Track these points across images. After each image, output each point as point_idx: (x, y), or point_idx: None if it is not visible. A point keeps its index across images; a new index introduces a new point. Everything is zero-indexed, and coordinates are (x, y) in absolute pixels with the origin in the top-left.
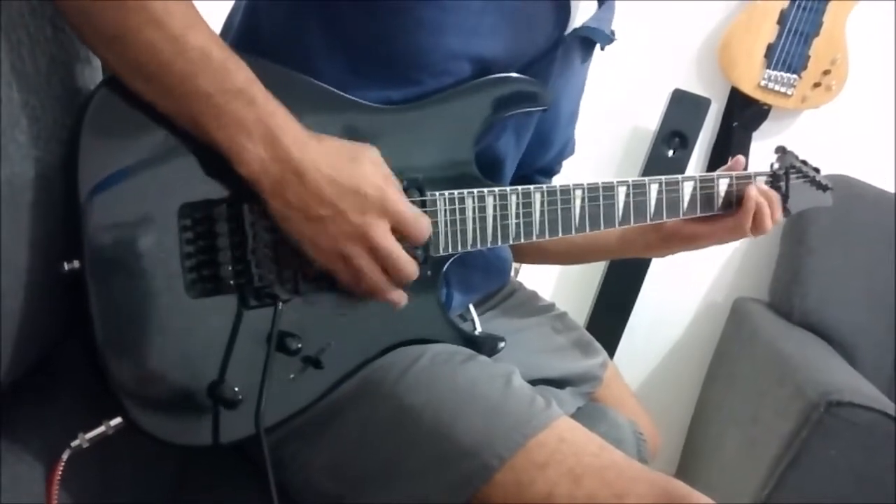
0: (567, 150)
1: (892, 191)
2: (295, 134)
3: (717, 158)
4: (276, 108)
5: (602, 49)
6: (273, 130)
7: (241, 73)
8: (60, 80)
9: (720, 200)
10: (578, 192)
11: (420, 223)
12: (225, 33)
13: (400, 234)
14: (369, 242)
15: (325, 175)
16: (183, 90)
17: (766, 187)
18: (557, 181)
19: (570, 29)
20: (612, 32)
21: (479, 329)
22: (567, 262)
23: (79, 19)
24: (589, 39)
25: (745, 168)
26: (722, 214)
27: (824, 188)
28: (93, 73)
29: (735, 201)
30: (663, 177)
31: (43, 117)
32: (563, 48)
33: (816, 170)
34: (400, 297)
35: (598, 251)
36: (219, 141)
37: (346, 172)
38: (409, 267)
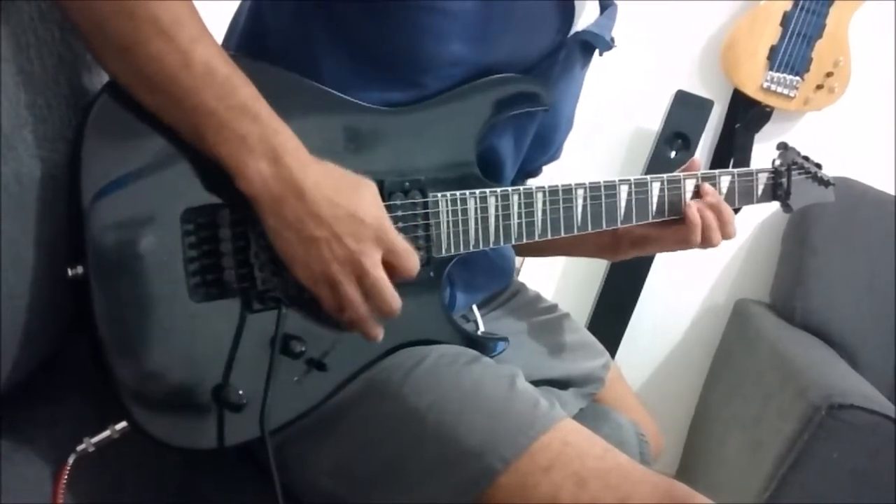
0: (556, 155)
1: (894, 193)
2: (297, 154)
3: (720, 160)
4: (280, 126)
5: (601, 55)
6: (276, 148)
7: (245, 90)
8: (67, 79)
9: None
10: (580, 192)
11: (411, 259)
12: (230, 34)
13: (390, 266)
14: (359, 270)
15: (325, 196)
16: (187, 104)
17: (714, 200)
18: (559, 181)
19: (572, 32)
20: (612, 39)
21: (482, 329)
22: (525, 255)
23: (89, 29)
24: (589, 44)
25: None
26: (673, 221)
27: (826, 184)
28: (100, 74)
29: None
30: (665, 175)
31: (50, 117)
32: (565, 51)
33: (818, 165)
34: (377, 332)
35: (549, 248)
36: (221, 156)
37: (346, 196)
38: (395, 302)
